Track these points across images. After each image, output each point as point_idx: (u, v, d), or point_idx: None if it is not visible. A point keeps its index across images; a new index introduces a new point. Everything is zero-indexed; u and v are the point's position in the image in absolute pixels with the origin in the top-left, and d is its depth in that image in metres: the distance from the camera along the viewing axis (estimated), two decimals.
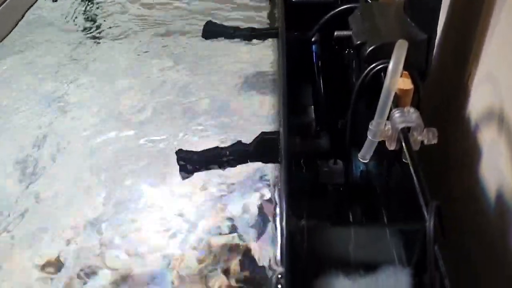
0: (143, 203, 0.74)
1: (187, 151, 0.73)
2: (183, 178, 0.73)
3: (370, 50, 0.70)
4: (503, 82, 0.62)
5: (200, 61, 1.02)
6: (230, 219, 0.69)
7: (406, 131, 0.60)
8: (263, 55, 1.01)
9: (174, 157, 0.75)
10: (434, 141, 0.60)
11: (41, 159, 0.84)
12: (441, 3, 0.67)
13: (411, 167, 0.55)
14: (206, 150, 0.73)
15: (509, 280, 0.61)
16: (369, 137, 0.61)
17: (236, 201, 0.71)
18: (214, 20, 1.05)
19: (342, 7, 0.88)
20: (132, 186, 0.76)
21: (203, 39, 1.02)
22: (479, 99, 0.69)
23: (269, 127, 0.87)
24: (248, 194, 0.72)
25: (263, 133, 0.73)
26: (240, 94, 0.96)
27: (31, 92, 1.01)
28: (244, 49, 1.02)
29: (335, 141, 0.86)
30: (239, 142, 0.72)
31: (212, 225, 0.69)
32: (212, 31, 1.00)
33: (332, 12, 0.90)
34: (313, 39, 0.96)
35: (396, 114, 0.60)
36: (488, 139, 0.66)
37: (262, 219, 0.67)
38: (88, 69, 1.05)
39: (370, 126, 0.60)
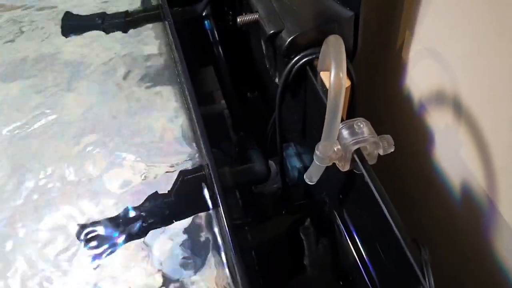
0: None
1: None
2: None
3: (289, 42, 0.56)
4: (454, 62, 0.53)
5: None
6: None
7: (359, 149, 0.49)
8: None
9: None
10: (391, 150, 0.50)
11: None
12: None
13: (379, 201, 0.45)
14: (111, 219, 0.56)
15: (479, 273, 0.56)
16: (316, 162, 0.50)
17: None
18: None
19: None
20: None
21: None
22: (422, 78, 0.59)
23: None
24: None
25: (182, 173, 0.57)
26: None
27: None
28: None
29: (263, 142, 0.74)
30: (155, 193, 0.56)
31: None
32: (73, 25, 0.77)
33: None
34: (203, 14, 0.79)
35: (345, 132, 0.48)
36: (442, 124, 0.57)
37: None
38: None
39: (316, 151, 0.49)
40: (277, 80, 0.68)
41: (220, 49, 0.81)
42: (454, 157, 0.56)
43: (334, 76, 0.44)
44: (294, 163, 0.70)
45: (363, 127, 0.48)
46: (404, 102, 0.63)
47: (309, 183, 0.54)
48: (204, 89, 0.86)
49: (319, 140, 0.61)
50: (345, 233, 0.60)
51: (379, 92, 0.68)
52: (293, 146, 0.72)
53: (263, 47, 0.70)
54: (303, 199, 0.68)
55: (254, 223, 0.63)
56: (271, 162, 0.71)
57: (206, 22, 0.79)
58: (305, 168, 0.71)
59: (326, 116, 0.46)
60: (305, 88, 0.60)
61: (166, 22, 0.73)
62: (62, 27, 0.77)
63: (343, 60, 0.45)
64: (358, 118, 0.49)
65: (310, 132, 0.64)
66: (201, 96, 0.86)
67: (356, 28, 0.57)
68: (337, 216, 0.62)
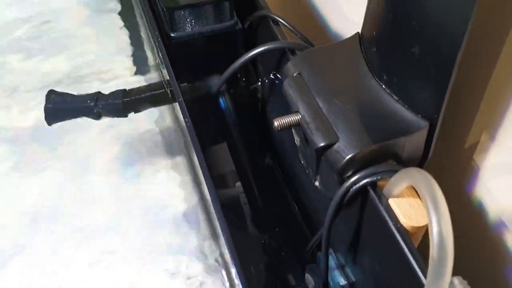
0: None
1: None
2: None
3: (347, 160, 0.44)
4: None
5: None
6: None
7: None
8: None
9: None
10: None
11: None
12: (454, 65, 0.40)
13: None
14: None
15: None
16: None
17: None
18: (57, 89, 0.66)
19: (260, 49, 0.60)
20: None
21: None
22: (504, 193, 0.48)
23: None
24: None
25: None
26: None
27: None
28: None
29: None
30: None
31: None
32: (59, 109, 0.63)
33: (245, 58, 0.61)
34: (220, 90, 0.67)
35: None
36: None
37: None
38: None
39: None
40: (317, 183, 0.56)
41: (237, 128, 0.69)
42: None
43: (438, 236, 0.34)
44: (337, 278, 0.58)
45: None
46: (475, 214, 0.53)
47: None
48: (214, 170, 0.74)
49: (381, 273, 0.49)
50: None
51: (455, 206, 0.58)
52: (334, 255, 0.60)
53: (297, 141, 0.58)
54: None
55: None
56: (308, 278, 0.59)
57: (221, 100, 0.67)
58: (351, 286, 0.59)
59: (428, 279, 0.35)
60: (363, 207, 0.48)
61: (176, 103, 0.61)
62: (45, 112, 0.63)
63: (445, 213, 0.35)
64: (455, 280, 0.38)
65: (365, 255, 0.53)
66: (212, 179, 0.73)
67: (430, 139, 0.46)
68: None
